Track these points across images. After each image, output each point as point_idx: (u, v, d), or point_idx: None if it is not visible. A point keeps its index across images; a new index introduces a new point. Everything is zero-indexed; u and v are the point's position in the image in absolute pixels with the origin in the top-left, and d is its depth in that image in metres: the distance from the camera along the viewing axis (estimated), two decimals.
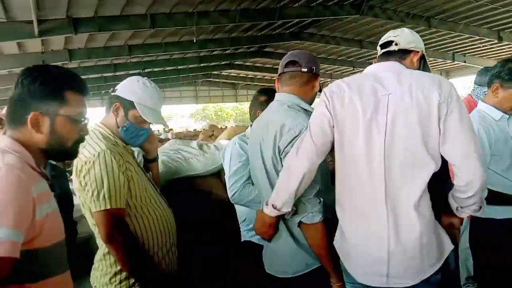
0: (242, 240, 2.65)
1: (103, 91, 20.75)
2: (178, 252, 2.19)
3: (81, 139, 1.44)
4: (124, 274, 1.89)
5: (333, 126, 1.58)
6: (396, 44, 1.71)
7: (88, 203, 1.83)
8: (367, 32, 14.88)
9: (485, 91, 3.25)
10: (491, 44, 16.17)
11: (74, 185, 1.92)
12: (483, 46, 16.67)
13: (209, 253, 2.80)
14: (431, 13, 12.54)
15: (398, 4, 11.67)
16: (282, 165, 1.80)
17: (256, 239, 2.49)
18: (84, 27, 9.30)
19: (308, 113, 1.93)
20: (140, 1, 8.91)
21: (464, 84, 32.26)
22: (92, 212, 1.83)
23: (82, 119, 1.40)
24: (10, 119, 1.34)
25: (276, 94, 2.03)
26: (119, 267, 1.88)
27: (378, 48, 1.80)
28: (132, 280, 1.89)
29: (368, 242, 1.56)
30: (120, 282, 1.89)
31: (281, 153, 1.81)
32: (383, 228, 1.52)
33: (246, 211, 2.58)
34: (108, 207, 1.79)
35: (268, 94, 2.55)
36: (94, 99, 24.52)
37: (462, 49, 17.48)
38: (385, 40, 1.76)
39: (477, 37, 14.60)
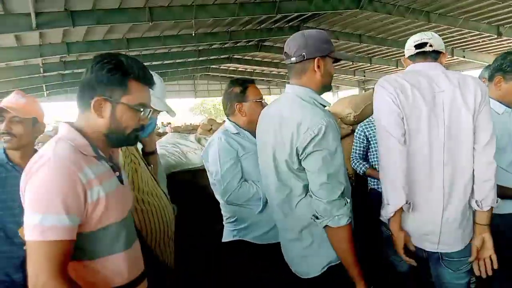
0: (227, 240, 2.47)
1: None
2: (175, 246, 2.19)
3: (141, 128, 1.49)
4: None
5: (403, 118, 1.80)
6: (430, 46, 1.95)
7: None
8: (367, 27, 14.85)
9: None
10: (490, 39, 16.13)
11: None
12: (482, 41, 16.65)
13: (206, 247, 2.79)
14: (430, 8, 12.52)
15: None
16: (300, 165, 1.75)
17: (249, 237, 2.38)
18: (82, 20, 9.23)
19: (323, 107, 1.84)
20: None
21: None
22: None
23: (142, 109, 1.44)
24: (78, 103, 1.43)
25: (287, 85, 1.93)
26: None
27: (412, 48, 1.99)
28: None
29: (426, 217, 1.90)
30: None
31: (299, 154, 1.73)
32: (439, 207, 1.86)
33: (236, 210, 2.41)
34: None
35: (242, 85, 2.44)
36: None
37: (461, 44, 17.45)
38: (420, 42, 1.98)
39: (477, 32, 14.58)
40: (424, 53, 1.95)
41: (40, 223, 1.21)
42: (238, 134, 2.41)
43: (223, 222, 2.53)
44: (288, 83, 1.94)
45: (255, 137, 2.29)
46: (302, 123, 1.70)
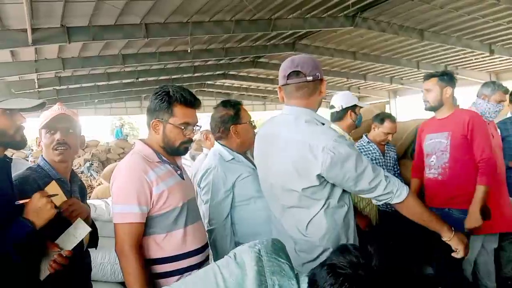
0: None
1: (96, 100, 20.62)
2: None
3: (188, 141, 1.96)
4: None
5: None
6: None
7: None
8: (361, 44, 14.97)
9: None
10: (483, 57, 16.32)
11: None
12: (475, 59, 16.83)
13: None
14: (424, 26, 12.66)
15: (391, 16, 11.77)
16: (317, 182, 1.74)
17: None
18: (78, 36, 9.25)
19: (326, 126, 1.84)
20: (135, 10, 8.92)
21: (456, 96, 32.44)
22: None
23: (184, 127, 1.90)
24: (147, 125, 1.99)
25: (285, 107, 1.90)
26: None
27: None
28: None
29: None
30: None
31: (322, 173, 1.71)
32: None
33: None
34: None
35: (235, 107, 2.45)
36: (87, 108, 24.38)
37: (454, 61, 17.61)
38: None
39: (469, 50, 14.72)
40: None
41: (121, 211, 1.80)
42: (233, 160, 2.38)
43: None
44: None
45: (247, 159, 2.40)
46: (314, 143, 1.70)
